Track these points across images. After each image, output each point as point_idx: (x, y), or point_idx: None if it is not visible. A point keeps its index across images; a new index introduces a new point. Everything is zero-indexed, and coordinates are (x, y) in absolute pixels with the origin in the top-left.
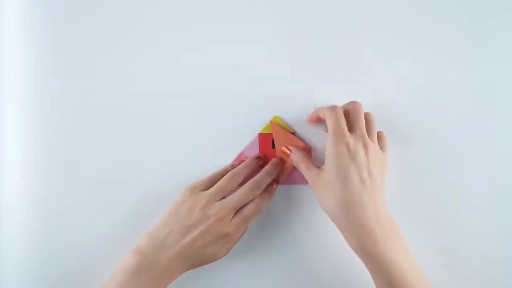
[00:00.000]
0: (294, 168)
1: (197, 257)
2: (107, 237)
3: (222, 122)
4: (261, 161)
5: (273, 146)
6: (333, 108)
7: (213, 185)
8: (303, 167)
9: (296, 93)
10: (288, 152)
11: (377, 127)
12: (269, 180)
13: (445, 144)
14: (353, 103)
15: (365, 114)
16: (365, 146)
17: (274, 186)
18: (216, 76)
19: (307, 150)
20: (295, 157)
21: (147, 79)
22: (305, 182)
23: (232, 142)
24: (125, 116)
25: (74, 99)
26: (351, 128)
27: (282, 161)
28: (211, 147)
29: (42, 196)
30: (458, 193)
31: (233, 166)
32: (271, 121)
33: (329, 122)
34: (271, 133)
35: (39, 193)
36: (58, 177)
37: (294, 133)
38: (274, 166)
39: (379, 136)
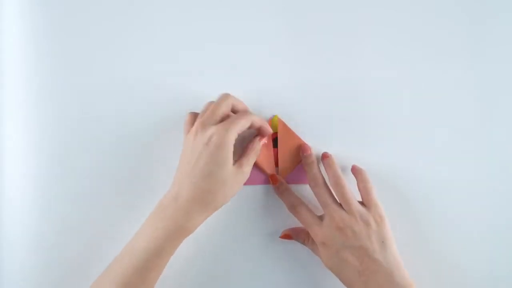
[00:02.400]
0: (296, 166)
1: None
2: (110, 237)
3: None
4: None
5: (274, 145)
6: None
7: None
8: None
9: (296, 93)
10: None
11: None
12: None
13: (445, 143)
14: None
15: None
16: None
17: (258, 140)
18: (216, 76)
19: (307, 149)
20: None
21: (147, 79)
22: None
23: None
24: (125, 116)
25: (74, 99)
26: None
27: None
28: None
29: (43, 196)
30: (456, 192)
31: None
32: (278, 118)
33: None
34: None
35: (40, 193)
36: (58, 177)
37: None
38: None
39: (361, 190)
